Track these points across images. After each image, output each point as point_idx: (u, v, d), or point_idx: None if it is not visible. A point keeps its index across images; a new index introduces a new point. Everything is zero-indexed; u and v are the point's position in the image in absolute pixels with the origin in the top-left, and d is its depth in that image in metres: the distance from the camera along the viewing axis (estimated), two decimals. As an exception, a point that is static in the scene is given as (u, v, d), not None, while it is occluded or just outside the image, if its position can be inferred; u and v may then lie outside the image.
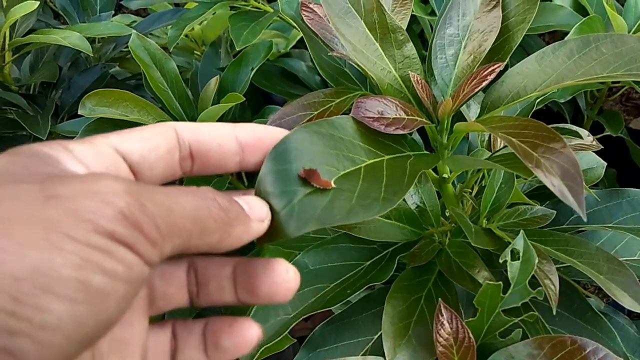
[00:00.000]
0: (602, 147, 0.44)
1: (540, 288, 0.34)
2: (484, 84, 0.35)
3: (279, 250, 0.47)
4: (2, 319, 0.16)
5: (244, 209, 0.22)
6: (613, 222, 0.45)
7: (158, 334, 0.24)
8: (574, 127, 0.43)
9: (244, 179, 0.63)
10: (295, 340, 0.52)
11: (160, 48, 0.62)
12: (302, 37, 0.80)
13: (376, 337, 0.42)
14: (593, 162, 0.47)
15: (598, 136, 0.75)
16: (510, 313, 0.35)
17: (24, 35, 0.68)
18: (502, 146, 0.45)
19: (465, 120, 0.43)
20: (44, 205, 0.18)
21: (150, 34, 0.80)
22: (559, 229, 0.44)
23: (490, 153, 0.45)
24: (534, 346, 0.34)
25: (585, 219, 0.27)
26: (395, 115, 0.34)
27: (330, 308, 0.40)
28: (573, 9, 0.67)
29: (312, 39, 0.48)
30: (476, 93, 0.36)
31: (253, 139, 0.25)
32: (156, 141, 0.24)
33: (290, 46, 0.81)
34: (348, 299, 0.40)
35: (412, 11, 0.42)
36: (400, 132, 0.33)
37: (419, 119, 0.35)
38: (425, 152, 0.35)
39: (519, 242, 0.34)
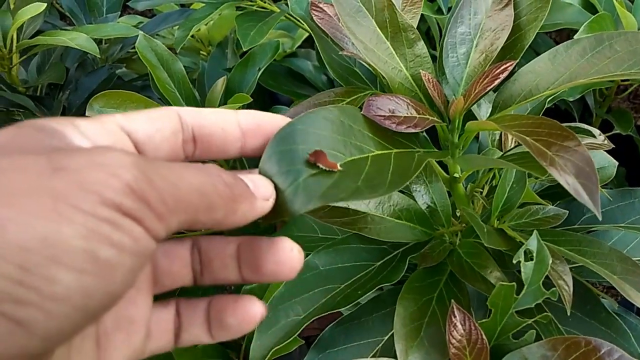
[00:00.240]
0: (614, 146, 0.43)
1: (554, 289, 0.33)
2: (495, 82, 0.35)
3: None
4: (10, 288, 0.16)
5: (249, 187, 0.22)
6: (625, 221, 0.44)
7: (162, 312, 0.25)
8: (586, 126, 0.43)
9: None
10: (303, 342, 0.51)
11: (167, 49, 0.62)
12: (308, 36, 0.80)
13: (386, 338, 0.42)
14: (604, 162, 0.47)
15: (607, 134, 0.74)
16: (524, 314, 0.34)
17: (31, 37, 0.69)
18: (513, 145, 0.45)
19: (476, 119, 0.43)
20: (51, 176, 0.17)
21: (157, 34, 0.80)
22: (571, 228, 0.44)
23: (502, 152, 0.44)
24: (548, 347, 0.34)
25: (600, 218, 0.27)
26: (407, 113, 0.33)
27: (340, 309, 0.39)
28: (582, 7, 0.66)
29: (322, 39, 0.48)
30: (488, 92, 0.36)
31: (255, 125, 0.25)
32: (161, 122, 0.24)
33: (296, 46, 0.81)
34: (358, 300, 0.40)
35: (421, 10, 0.42)
36: (412, 130, 0.33)
37: (430, 117, 0.34)
38: (435, 150, 0.35)
39: (533, 243, 0.33)
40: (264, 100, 0.78)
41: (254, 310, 0.24)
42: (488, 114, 0.38)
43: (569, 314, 0.34)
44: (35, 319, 0.17)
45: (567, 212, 0.41)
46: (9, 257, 0.16)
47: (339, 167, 0.25)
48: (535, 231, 0.34)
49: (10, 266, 0.16)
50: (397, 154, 0.29)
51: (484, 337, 0.34)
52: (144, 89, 0.76)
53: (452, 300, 0.35)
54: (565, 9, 0.65)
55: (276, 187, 0.24)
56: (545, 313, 0.35)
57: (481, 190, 0.45)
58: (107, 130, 0.22)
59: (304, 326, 0.38)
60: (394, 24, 0.36)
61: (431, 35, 0.79)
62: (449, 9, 0.72)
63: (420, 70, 0.36)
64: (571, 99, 0.64)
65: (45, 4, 0.64)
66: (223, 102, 0.61)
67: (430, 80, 0.36)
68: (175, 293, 0.31)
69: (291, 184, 0.24)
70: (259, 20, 0.63)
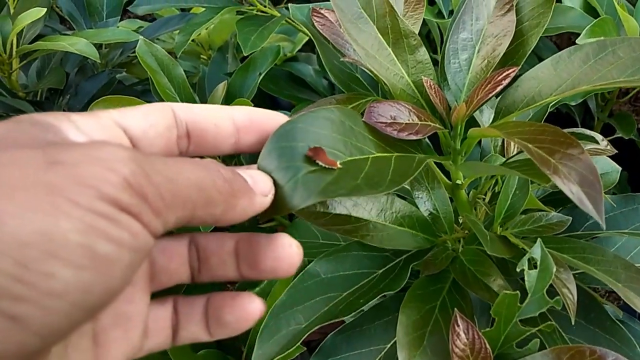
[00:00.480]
0: (617, 151, 0.43)
1: (558, 297, 0.33)
2: (498, 88, 0.35)
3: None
4: (7, 284, 0.16)
5: (247, 182, 0.22)
6: (629, 227, 0.44)
7: (159, 309, 0.24)
8: (589, 132, 0.42)
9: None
10: (305, 349, 0.51)
11: (167, 54, 0.61)
12: (308, 40, 0.80)
13: (389, 346, 0.41)
14: (608, 167, 0.47)
15: (609, 138, 0.74)
16: (528, 323, 0.34)
17: (31, 42, 0.68)
18: (515, 152, 0.44)
19: (478, 125, 0.43)
20: (47, 170, 0.17)
21: (157, 38, 0.80)
22: (574, 235, 0.43)
23: (504, 159, 0.44)
24: (552, 357, 0.34)
25: (604, 227, 0.27)
26: (408, 120, 0.33)
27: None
28: (583, 10, 0.66)
29: (323, 45, 0.48)
30: (490, 98, 0.35)
31: (249, 121, 0.25)
32: (155, 117, 0.23)
33: (297, 49, 0.81)
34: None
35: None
36: (413, 137, 0.32)
37: (432, 124, 0.34)
38: (437, 155, 0.35)
39: (536, 251, 0.33)
40: (264, 105, 0.77)
41: (252, 307, 0.24)
42: (490, 120, 0.37)
43: (573, 322, 0.34)
44: (32, 315, 0.16)
45: (571, 218, 0.40)
46: (6, 251, 0.16)
47: (339, 165, 0.25)
48: (539, 239, 0.33)
49: (8, 261, 0.16)
50: (398, 157, 0.29)
51: (487, 346, 0.34)
52: (144, 94, 0.76)
53: (455, 309, 0.35)
54: (567, 12, 0.65)
55: (275, 183, 0.24)
56: (550, 322, 0.34)
57: (484, 197, 0.45)
58: (103, 126, 0.22)
59: (305, 335, 0.37)
60: (396, 30, 0.36)
61: (432, 38, 0.79)
62: (450, 12, 0.72)
63: (422, 77, 0.36)
64: (573, 103, 0.63)
65: (45, 9, 0.64)
66: (223, 107, 0.61)
67: (432, 86, 0.35)
68: (173, 290, 0.31)
69: (290, 180, 0.24)
70: (260, 25, 0.62)
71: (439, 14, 0.74)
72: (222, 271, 0.25)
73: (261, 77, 0.63)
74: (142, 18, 0.92)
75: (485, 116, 0.43)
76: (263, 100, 0.77)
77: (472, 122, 0.39)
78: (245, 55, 0.62)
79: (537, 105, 0.35)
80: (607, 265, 0.37)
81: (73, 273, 0.17)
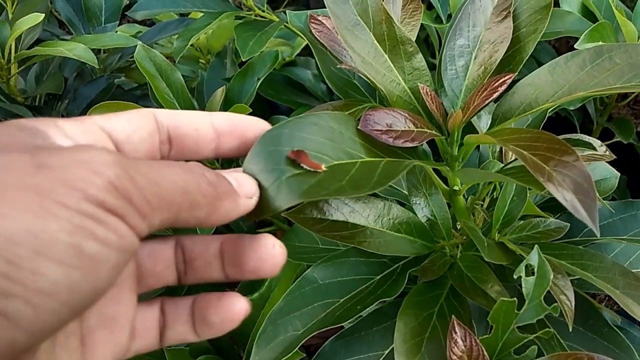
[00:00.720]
0: (615, 157, 0.43)
1: (555, 304, 0.33)
2: (494, 95, 0.35)
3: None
4: None
5: (232, 185, 0.23)
6: (627, 234, 0.44)
7: (147, 310, 0.25)
8: (587, 138, 0.42)
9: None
10: (304, 355, 0.51)
11: (165, 59, 0.61)
12: (307, 44, 0.79)
13: (387, 352, 0.41)
14: (606, 173, 0.47)
15: (607, 142, 0.74)
16: (525, 329, 0.34)
17: (29, 47, 0.68)
18: (513, 157, 0.44)
19: (476, 131, 0.42)
20: (35, 174, 0.18)
21: (156, 43, 0.80)
22: (572, 241, 0.43)
23: (502, 164, 0.44)
24: (550, 363, 0.34)
25: (598, 235, 0.26)
26: (404, 127, 0.33)
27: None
28: (582, 15, 0.66)
29: (321, 51, 0.48)
30: (487, 104, 0.35)
31: (229, 126, 0.26)
32: (138, 123, 0.24)
33: (295, 54, 0.81)
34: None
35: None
36: (409, 144, 0.32)
37: (428, 131, 0.34)
38: (432, 160, 0.35)
39: (534, 257, 0.33)
40: (263, 110, 0.77)
41: (237, 307, 0.24)
42: (488, 126, 0.37)
43: (571, 329, 0.34)
44: (21, 312, 0.17)
45: (569, 225, 0.40)
46: None
47: (324, 168, 0.26)
48: (536, 246, 0.33)
49: None
50: (388, 162, 0.29)
51: (485, 353, 0.34)
52: (143, 98, 0.76)
53: (453, 316, 0.35)
54: (565, 17, 0.65)
55: (260, 185, 0.24)
56: (547, 329, 0.34)
57: (482, 203, 0.44)
58: (88, 130, 0.22)
59: (302, 341, 0.37)
60: (392, 37, 0.36)
61: (430, 42, 0.79)
62: (448, 17, 0.72)
63: (419, 83, 0.36)
64: (572, 108, 0.63)
65: (44, 15, 0.64)
66: (222, 112, 0.61)
67: (429, 93, 0.35)
68: (160, 292, 0.31)
69: (274, 182, 0.24)
70: (258, 30, 0.62)
71: (437, 19, 0.74)
72: (208, 273, 0.25)
73: (260, 82, 0.63)
74: (141, 23, 0.93)
75: (483, 122, 0.43)
76: (261, 105, 0.77)
77: (469, 128, 0.39)
78: (243, 60, 0.62)
79: (534, 111, 0.35)
80: (605, 271, 0.37)
81: (61, 271, 0.17)
